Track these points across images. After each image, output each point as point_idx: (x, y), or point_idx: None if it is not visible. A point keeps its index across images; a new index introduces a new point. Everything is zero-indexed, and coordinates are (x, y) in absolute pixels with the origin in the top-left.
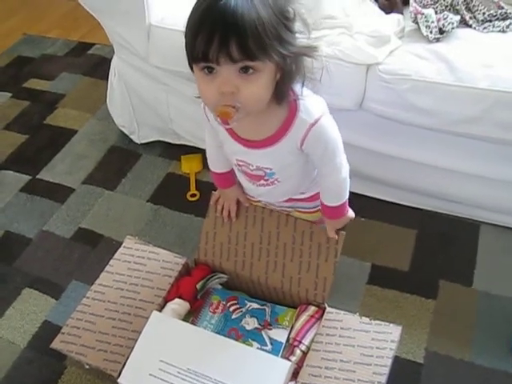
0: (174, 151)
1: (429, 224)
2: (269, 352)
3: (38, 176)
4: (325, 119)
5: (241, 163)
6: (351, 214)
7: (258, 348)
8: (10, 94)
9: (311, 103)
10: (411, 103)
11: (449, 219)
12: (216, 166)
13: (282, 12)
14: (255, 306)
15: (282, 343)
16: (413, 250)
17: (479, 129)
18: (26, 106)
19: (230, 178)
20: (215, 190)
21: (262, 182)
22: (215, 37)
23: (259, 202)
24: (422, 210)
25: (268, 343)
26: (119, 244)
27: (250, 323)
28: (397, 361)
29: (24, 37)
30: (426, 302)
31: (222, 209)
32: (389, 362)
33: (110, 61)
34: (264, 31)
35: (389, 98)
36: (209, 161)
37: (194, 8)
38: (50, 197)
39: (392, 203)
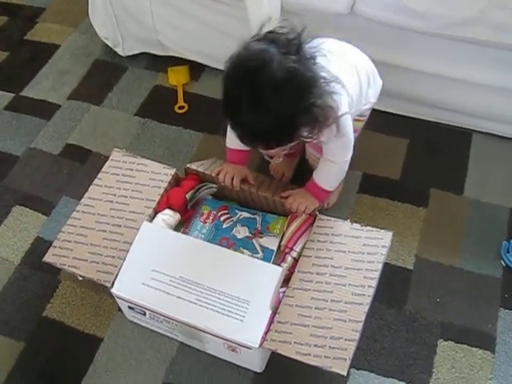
0: (161, 63)
1: (420, 133)
2: (260, 259)
3: (21, 93)
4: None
5: None
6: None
7: (249, 256)
8: None
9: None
10: (404, 5)
11: (440, 128)
12: (236, 143)
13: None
14: (246, 215)
15: (273, 251)
16: (404, 159)
17: (475, 31)
18: (4, 21)
19: (246, 156)
20: (203, 103)
21: None
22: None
23: None
24: (413, 118)
25: (259, 251)
26: (108, 159)
27: (241, 232)
28: (387, 267)
29: None
30: (416, 210)
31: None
32: (379, 266)
33: None
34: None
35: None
36: (228, 138)
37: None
38: (35, 114)
39: (383, 112)
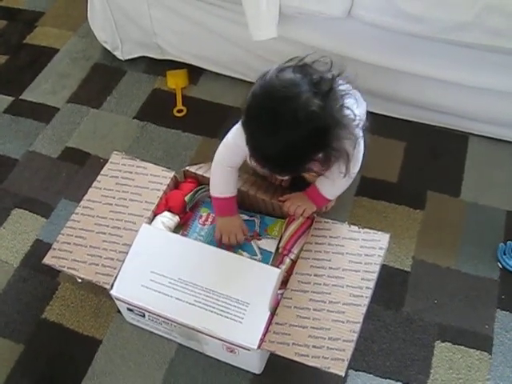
0: (159, 67)
1: (417, 136)
2: (258, 261)
3: (21, 97)
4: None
5: None
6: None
7: (248, 258)
8: None
9: None
10: (401, 9)
11: (437, 131)
12: (223, 189)
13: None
14: (244, 217)
15: (271, 253)
16: (401, 162)
17: (470, 35)
18: (3, 25)
19: (234, 202)
20: (201, 106)
21: None
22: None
23: None
24: (410, 121)
25: (258, 253)
26: (107, 162)
27: None
28: (385, 269)
29: None
30: (414, 213)
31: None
32: (377, 268)
33: None
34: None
35: (378, 3)
36: (214, 186)
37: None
38: (34, 117)
39: (380, 115)
